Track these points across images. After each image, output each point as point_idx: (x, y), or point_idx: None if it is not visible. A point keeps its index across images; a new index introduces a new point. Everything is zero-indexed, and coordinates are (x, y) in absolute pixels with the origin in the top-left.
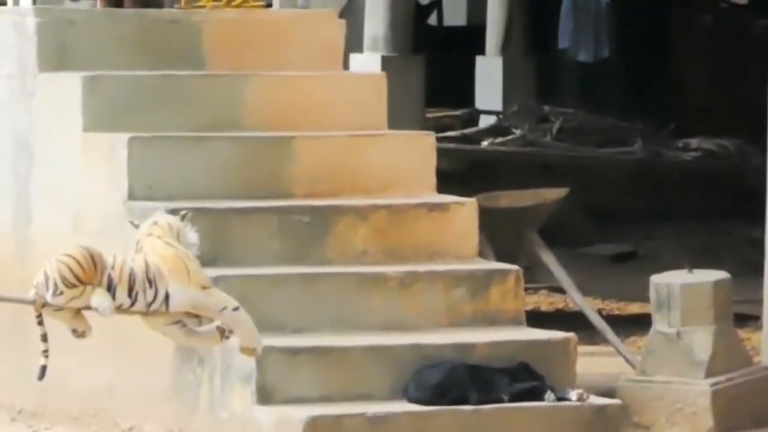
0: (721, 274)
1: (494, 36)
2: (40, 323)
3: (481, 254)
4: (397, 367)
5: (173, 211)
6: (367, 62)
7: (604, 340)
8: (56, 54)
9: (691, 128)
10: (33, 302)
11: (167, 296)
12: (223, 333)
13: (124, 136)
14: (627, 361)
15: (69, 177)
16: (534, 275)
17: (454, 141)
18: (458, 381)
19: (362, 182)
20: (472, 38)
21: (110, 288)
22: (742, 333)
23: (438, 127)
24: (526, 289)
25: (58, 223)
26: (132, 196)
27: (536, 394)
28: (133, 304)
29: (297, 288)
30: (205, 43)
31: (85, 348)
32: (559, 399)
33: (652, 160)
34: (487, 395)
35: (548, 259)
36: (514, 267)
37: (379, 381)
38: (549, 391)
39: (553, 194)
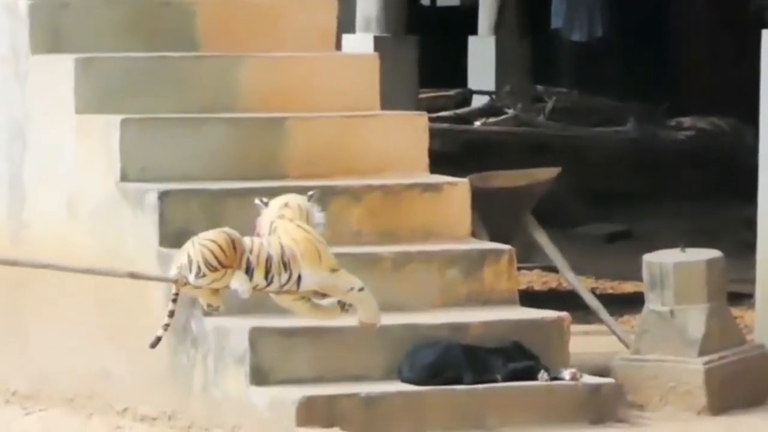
0: (714, 253)
1: (487, 16)
2: (174, 300)
3: (475, 234)
4: (391, 348)
5: (302, 193)
6: (360, 43)
7: (598, 320)
8: (49, 36)
9: (684, 107)
10: (175, 281)
11: (299, 278)
12: (343, 307)
13: (117, 118)
14: (621, 340)
15: (62, 160)
16: (528, 255)
17: (447, 121)
18: (452, 361)
19: (356, 163)
20: (465, 18)
21: (248, 271)
22: (736, 311)
23: (431, 107)
24: (519, 269)
25: (52, 206)
26: (125, 177)
27: (530, 374)
28: (268, 285)
29: None
30: (198, 25)
31: (79, 331)
32: (553, 378)
33: (646, 140)
34: (481, 375)
35: (541, 238)
36: (508, 247)
37: (374, 362)
38: (543, 371)
39: (546, 174)
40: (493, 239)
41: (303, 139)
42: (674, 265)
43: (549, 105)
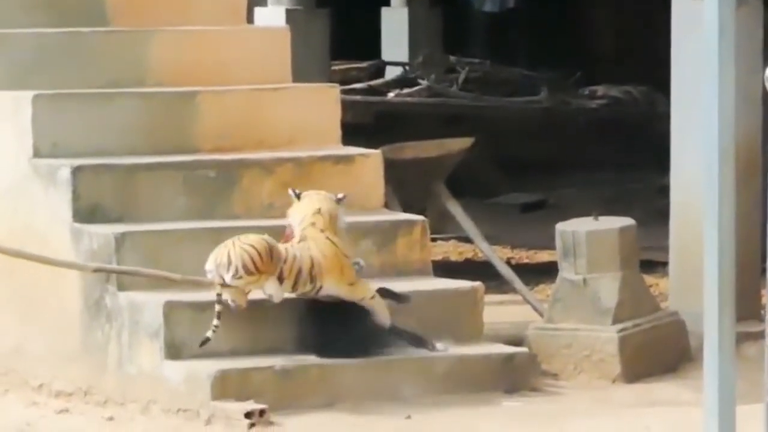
0: (627, 221)
1: None
2: (219, 302)
3: (388, 206)
4: (304, 320)
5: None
6: (272, 16)
7: (513, 289)
8: None
9: (598, 77)
10: (211, 282)
11: (320, 288)
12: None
13: (29, 94)
14: (535, 309)
15: None
16: (442, 226)
17: (360, 93)
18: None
19: (267, 136)
20: None
21: (280, 279)
22: (651, 279)
23: (345, 79)
24: (435, 240)
25: None
26: (37, 153)
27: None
28: (292, 292)
29: (204, 243)
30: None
31: None
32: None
33: (558, 109)
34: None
35: (455, 209)
36: (421, 218)
37: (288, 334)
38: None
39: (458, 144)
40: (406, 210)
41: (214, 112)
42: (586, 234)
43: (462, 75)
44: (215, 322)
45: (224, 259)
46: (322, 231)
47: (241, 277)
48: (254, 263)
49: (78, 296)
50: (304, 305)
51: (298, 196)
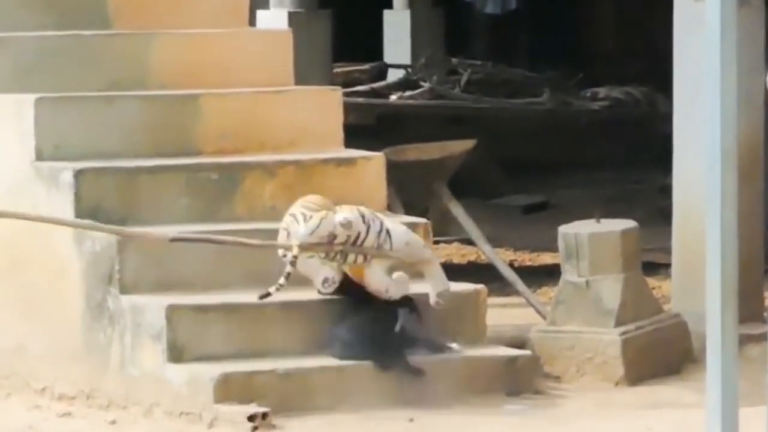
0: (629, 223)
1: None
2: (293, 264)
3: (390, 208)
4: (308, 323)
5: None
6: (274, 18)
7: (516, 292)
8: None
9: (600, 77)
10: (289, 246)
11: (388, 231)
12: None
13: (31, 97)
14: (537, 311)
15: None
16: (444, 228)
17: (362, 95)
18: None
19: (270, 139)
20: None
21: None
22: (654, 281)
23: (347, 82)
24: (438, 242)
25: None
26: (40, 156)
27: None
28: (367, 231)
29: (207, 245)
30: (110, 2)
31: None
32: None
33: (561, 110)
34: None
35: (457, 211)
36: (423, 220)
37: (291, 337)
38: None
39: (460, 146)
40: (408, 212)
41: (216, 115)
42: (589, 236)
43: (464, 77)
44: (282, 281)
45: (288, 219)
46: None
47: (311, 217)
48: (314, 203)
49: (80, 298)
50: (319, 307)
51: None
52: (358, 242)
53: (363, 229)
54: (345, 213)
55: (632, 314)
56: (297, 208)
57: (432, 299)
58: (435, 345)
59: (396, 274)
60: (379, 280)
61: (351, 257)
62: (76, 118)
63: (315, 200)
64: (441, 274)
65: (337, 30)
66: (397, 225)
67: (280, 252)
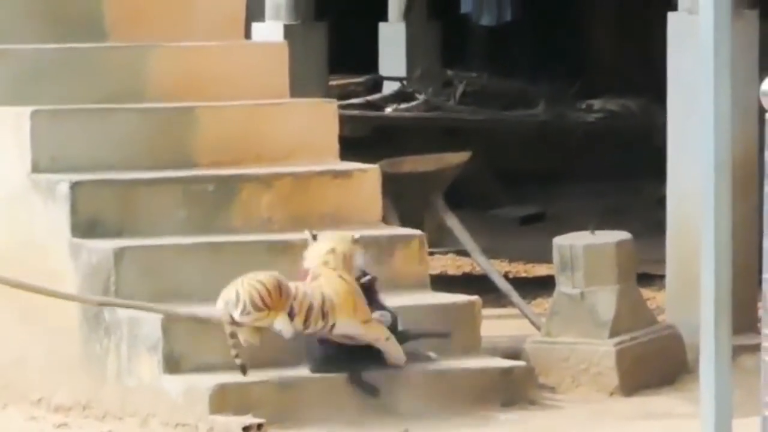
0: (624, 235)
1: (397, 1)
2: (233, 337)
3: (386, 220)
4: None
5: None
6: (270, 31)
7: (511, 303)
8: None
9: (596, 89)
10: (219, 319)
11: (333, 326)
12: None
13: (28, 109)
14: (532, 323)
15: None
16: (440, 239)
17: (358, 108)
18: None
19: (266, 151)
20: (374, 4)
21: (290, 315)
22: (648, 292)
23: (342, 94)
24: (434, 254)
25: None
26: (36, 168)
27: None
28: (305, 330)
29: (203, 257)
30: (107, 14)
31: None
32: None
33: (556, 122)
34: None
35: (452, 222)
36: (418, 232)
37: (287, 348)
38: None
39: (456, 158)
40: (404, 224)
41: (213, 127)
42: (584, 248)
43: (459, 89)
44: (234, 353)
45: (233, 296)
46: (334, 269)
47: (249, 313)
48: (263, 299)
49: (77, 309)
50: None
51: (314, 237)
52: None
53: (300, 329)
54: (282, 325)
55: (627, 325)
56: (246, 290)
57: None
58: (434, 333)
59: (377, 313)
60: (354, 331)
61: (313, 325)
62: (73, 130)
63: (267, 294)
64: (393, 356)
65: (333, 42)
66: (352, 321)
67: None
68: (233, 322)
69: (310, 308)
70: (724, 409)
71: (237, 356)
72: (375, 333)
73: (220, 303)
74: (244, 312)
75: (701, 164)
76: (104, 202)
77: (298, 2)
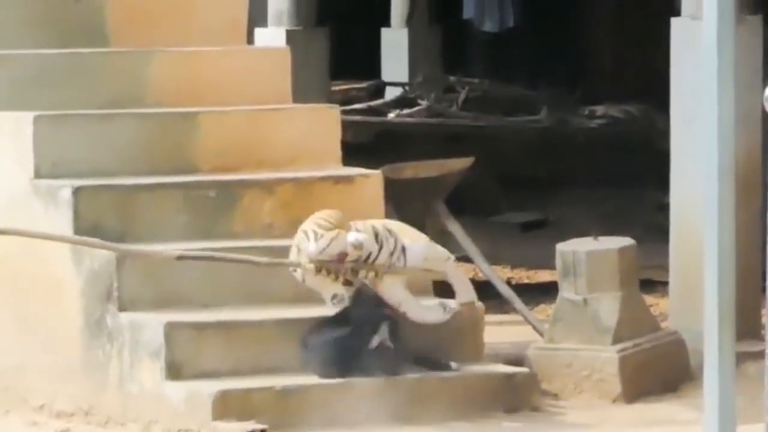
0: (627, 241)
1: (399, 7)
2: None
3: None
4: (308, 338)
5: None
6: (272, 36)
7: (513, 309)
8: None
9: (598, 95)
10: (298, 264)
11: (403, 248)
12: (445, 308)
13: (30, 115)
14: (535, 329)
15: None
16: (442, 245)
17: (360, 113)
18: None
19: (268, 156)
20: (376, 10)
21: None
22: (651, 299)
23: (344, 99)
24: None
25: None
26: (38, 173)
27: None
28: (380, 250)
29: (204, 262)
30: (108, 20)
31: None
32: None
33: (558, 128)
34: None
35: (454, 228)
36: None
37: (289, 354)
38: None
39: (458, 164)
40: None
41: (214, 132)
42: (586, 254)
43: (462, 95)
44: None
45: (300, 236)
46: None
47: (322, 236)
48: (327, 221)
49: (78, 315)
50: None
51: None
52: (370, 261)
53: (375, 248)
54: (357, 233)
55: (630, 332)
56: (309, 224)
57: (454, 307)
58: (433, 362)
59: (430, 302)
60: (392, 294)
61: (362, 272)
62: (75, 135)
63: (329, 217)
64: (463, 285)
65: (335, 48)
66: (417, 241)
67: (291, 267)
68: (316, 262)
69: (374, 227)
70: (728, 416)
71: (335, 297)
72: (442, 251)
73: (293, 252)
74: (317, 237)
75: (704, 170)
76: (106, 208)
77: (301, 8)
